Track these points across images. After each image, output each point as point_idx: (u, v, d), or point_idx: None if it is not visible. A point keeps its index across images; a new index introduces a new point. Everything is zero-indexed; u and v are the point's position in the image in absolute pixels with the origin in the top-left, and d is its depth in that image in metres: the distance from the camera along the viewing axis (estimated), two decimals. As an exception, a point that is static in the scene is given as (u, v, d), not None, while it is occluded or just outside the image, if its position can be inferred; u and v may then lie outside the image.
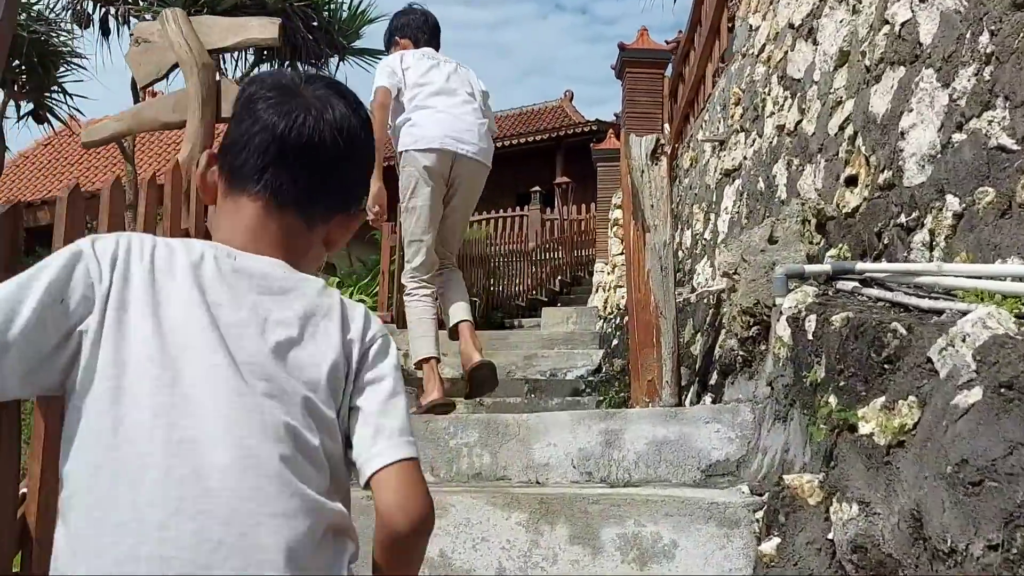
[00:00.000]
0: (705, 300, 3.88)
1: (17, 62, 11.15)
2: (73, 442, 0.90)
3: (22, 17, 10.68)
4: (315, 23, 9.26)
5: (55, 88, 11.37)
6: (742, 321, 2.88)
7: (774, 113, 4.07)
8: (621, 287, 6.34)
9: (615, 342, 6.03)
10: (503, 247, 13.40)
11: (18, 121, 11.65)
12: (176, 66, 3.53)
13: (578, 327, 7.04)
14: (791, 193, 3.50)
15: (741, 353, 2.92)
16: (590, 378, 6.00)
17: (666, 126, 6.93)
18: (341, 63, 9.88)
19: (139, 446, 0.88)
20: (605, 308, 6.75)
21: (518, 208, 20.79)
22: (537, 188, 20.12)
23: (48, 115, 11.71)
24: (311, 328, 1.01)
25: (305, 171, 1.05)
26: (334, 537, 0.94)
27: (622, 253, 6.46)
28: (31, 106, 11.64)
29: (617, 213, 6.43)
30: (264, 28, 3.48)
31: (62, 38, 10.92)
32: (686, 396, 3.32)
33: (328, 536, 0.93)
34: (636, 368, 3.25)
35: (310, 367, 0.98)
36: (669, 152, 3.56)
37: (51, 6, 10.86)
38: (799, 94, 3.68)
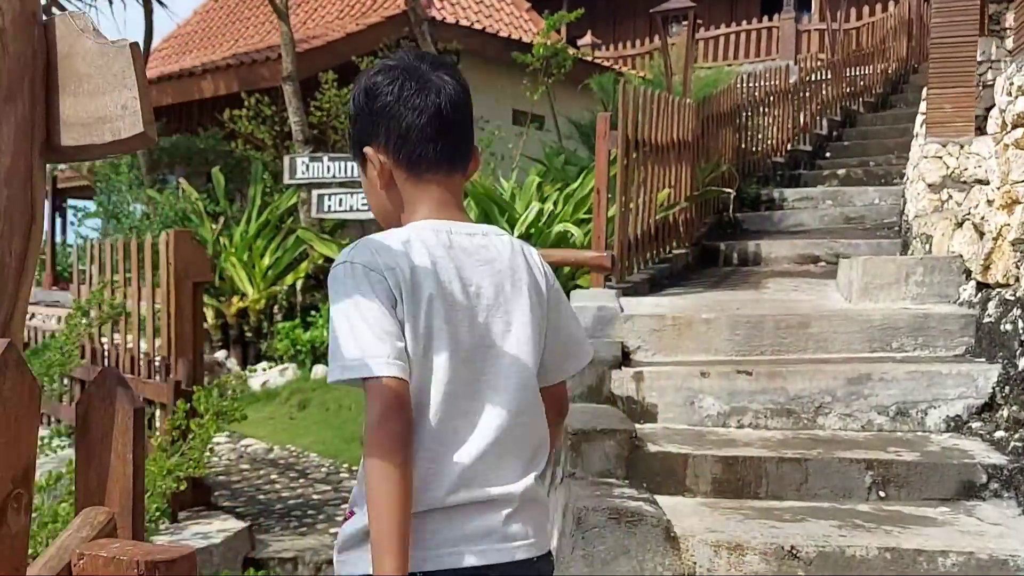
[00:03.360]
0: None
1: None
2: None
3: None
4: None
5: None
6: None
7: None
8: (1030, 244, 3.43)
9: (1027, 358, 3.26)
10: (755, 90, 10.19)
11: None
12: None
13: (927, 294, 4.22)
14: None
15: None
16: (981, 434, 3.31)
17: None
18: None
19: None
20: (986, 269, 3.86)
21: (765, 18, 16.84)
22: (791, -9, 15.95)
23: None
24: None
25: (458, 134, 1.33)
26: None
27: (1030, 179, 3.50)
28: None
29: (1008, 105, 3.41)
30: None
31: None
32: None
33: None
34: None
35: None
36: None
37: None
38: None
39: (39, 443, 4.25)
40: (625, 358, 3.94)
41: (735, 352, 3.95)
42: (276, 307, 8.55)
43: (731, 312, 4.20)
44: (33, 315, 14.50)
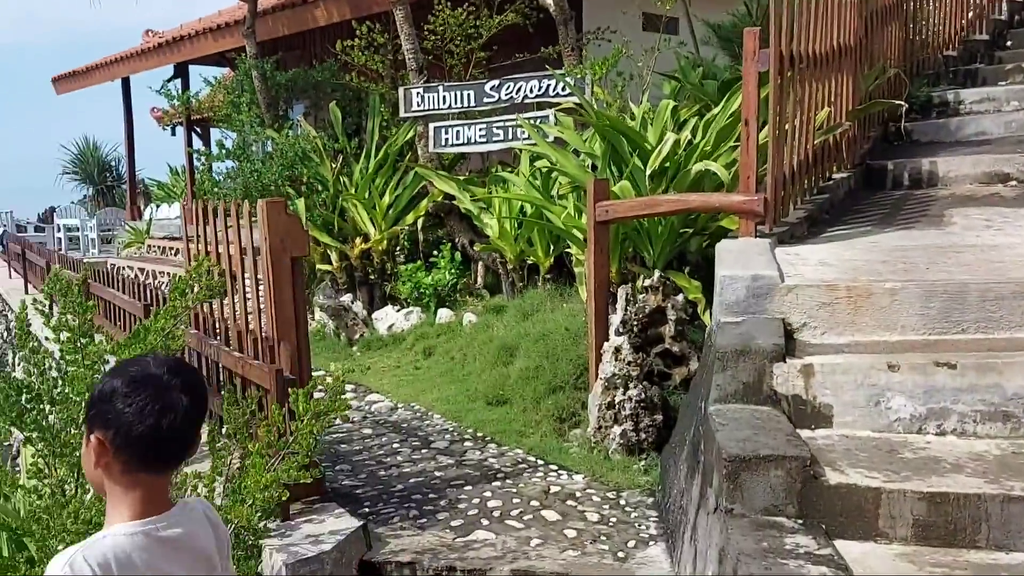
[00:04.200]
0: None
1: None
2: None
3: None
4: None
5: None
6: None
7: None
8: None
9: None
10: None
11: None
12: None
13: None
14: None
15: None
16: None
17: None
18: None
19: None
20: None
21: None
22: None
23: None
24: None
25: (182, 445, 1.53)
26: None
27: None
28: None
29: None
30: None
31: None
32: None
33: None
34: None
35: None
36: None
37: None
38: None
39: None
40: (788, 338, 3.27)
41: (927, 330, 3.20)
42: (398, 248, 8.21)
43: (920, 277, 3.42)
44: (178, 251, 14.99)
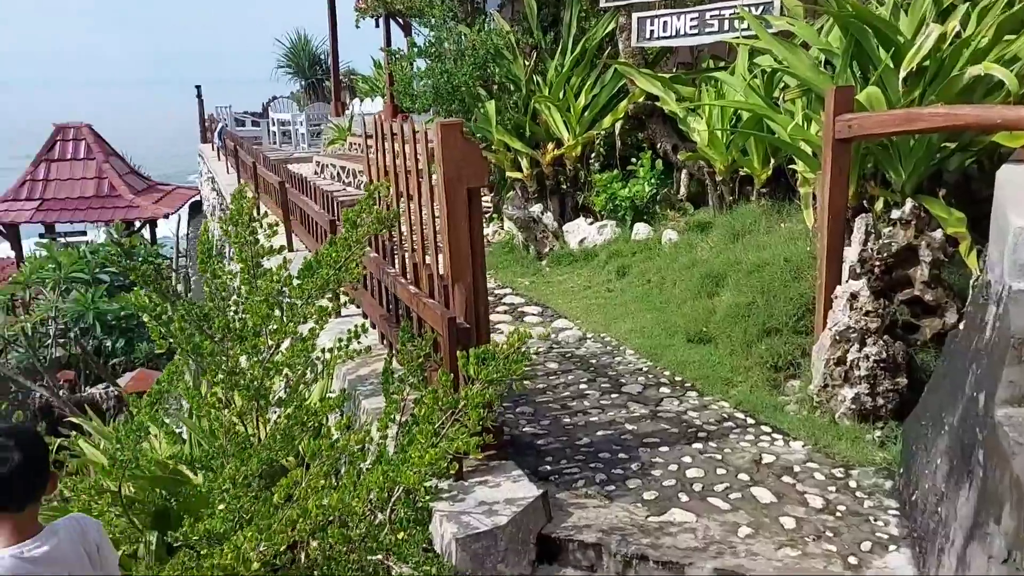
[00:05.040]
0: None
1: None
2: None
3: None
4: None
5: None
6: None
7: None
8: None
9: None
10: None
11: None
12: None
13: None
14: None
15: None
16: None
17: None
18: None
19: None
20: None
21: None
22: None
23: None
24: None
25: (25, 490, 2.05)
26: None
27: None
28: None
29: None
30: None
31: None
32: None
33: None
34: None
35: None
36: None
37: None
38: None
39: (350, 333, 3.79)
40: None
41: None
42: (593, 154, 7.55)
43: None
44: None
